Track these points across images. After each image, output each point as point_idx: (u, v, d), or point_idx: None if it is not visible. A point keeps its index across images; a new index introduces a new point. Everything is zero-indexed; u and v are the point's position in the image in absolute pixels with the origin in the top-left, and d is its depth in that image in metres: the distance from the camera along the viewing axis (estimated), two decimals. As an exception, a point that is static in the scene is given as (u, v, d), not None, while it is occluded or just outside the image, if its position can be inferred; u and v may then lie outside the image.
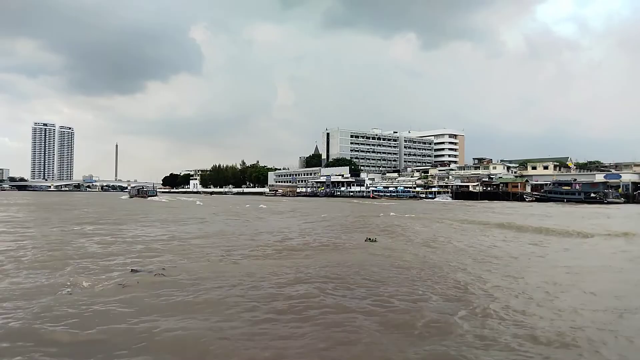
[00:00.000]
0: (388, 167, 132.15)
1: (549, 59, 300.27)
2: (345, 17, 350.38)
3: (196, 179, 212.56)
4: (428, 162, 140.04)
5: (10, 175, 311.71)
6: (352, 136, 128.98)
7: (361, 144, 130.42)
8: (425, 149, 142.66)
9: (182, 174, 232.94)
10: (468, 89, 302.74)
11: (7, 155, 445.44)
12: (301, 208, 43.89)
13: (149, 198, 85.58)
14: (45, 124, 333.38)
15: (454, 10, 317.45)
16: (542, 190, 70.05)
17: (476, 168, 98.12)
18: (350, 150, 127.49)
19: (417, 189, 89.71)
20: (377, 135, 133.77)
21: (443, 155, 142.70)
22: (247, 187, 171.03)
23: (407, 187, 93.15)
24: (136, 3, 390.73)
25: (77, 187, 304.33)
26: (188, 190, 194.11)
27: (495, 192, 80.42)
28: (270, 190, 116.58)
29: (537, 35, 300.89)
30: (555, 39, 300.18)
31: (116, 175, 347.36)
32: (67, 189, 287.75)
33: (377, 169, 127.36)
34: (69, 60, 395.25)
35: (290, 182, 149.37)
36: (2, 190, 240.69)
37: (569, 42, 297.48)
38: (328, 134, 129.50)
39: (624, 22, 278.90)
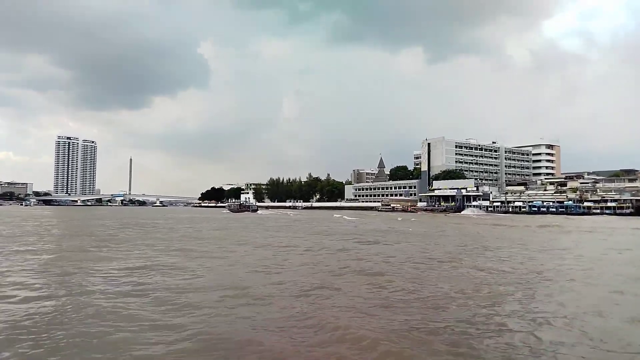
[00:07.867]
0: (489, 179, 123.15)
1: (555, 73, 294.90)
2: (352, 32, 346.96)
3: (248, 193, 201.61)
4: (527, 174, 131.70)
5: (34, 190, 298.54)
6: (456, 146, 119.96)
7: (465, 154, 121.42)
8: (523, 160, 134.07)
9: (227, 188, 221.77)
10: (473, 102, 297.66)
11: (12, 169, 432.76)
12: None
13: (253, 213, 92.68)
14: (69, 138, 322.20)
15: (460, 25, 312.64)
16: None
17: (631, 180, 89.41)
18: (455, 161, 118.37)
19: (587, 204, 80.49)
20: (479, 145, 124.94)
21: (540, 167, 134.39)
22: (315, 202, 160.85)
23: (562, 201, 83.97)
24: (145, 19, 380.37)
25: (99, 201, 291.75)
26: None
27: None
28: (383, 205, 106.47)
29: (543, 49, 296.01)
30: (561, 53, 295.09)
31: (130, 190, 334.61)
32: (90, 203, 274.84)
33: (479, 181, 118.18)
34: (76, 75, 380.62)
35: (373, 195, 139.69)
36: (33, 205, 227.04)
37: (575, 56, 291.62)
38: (429, 144, 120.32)
39: (630, 36, 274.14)
